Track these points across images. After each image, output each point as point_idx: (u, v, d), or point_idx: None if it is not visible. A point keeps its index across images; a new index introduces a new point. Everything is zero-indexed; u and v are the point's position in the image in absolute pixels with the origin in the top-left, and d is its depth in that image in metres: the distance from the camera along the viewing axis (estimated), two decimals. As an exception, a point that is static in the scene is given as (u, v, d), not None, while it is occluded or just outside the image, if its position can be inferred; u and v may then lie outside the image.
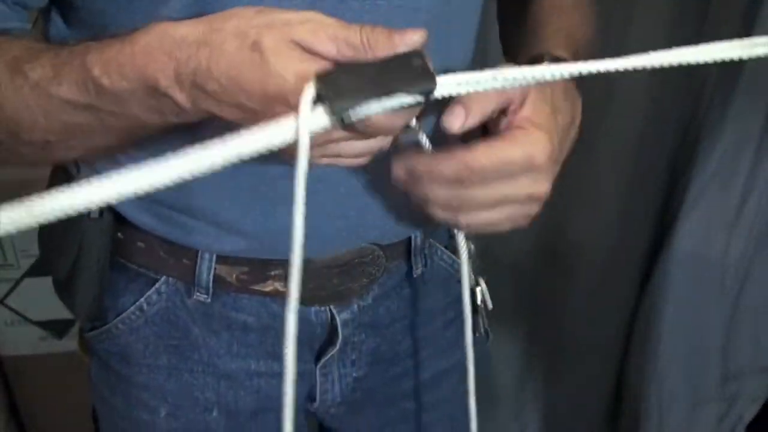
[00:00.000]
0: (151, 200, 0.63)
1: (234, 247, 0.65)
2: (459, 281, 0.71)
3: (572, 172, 1.25)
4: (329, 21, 0.45)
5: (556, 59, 0.60)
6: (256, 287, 0.67)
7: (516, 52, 0.67)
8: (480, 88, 0.45)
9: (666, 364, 1.25)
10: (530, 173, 0.52)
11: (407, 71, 0.44)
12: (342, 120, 0.43)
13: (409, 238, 0.72)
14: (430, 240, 0.74)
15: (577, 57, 0.60)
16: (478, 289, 0.72)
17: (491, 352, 1.54)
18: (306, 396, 0.75)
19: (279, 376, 0.65)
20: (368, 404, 0.77)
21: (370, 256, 0.69)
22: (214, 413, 0.71)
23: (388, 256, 0.70)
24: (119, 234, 0.67)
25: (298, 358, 0.63)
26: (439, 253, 0.76)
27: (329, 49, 0.44)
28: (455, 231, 0.65)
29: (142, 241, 0.66)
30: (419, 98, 0.44)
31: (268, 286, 0.67)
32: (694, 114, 1.20)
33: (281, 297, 0.67)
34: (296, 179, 0.42)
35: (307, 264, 0.64)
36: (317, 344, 0.72)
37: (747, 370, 1.23)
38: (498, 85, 0.44)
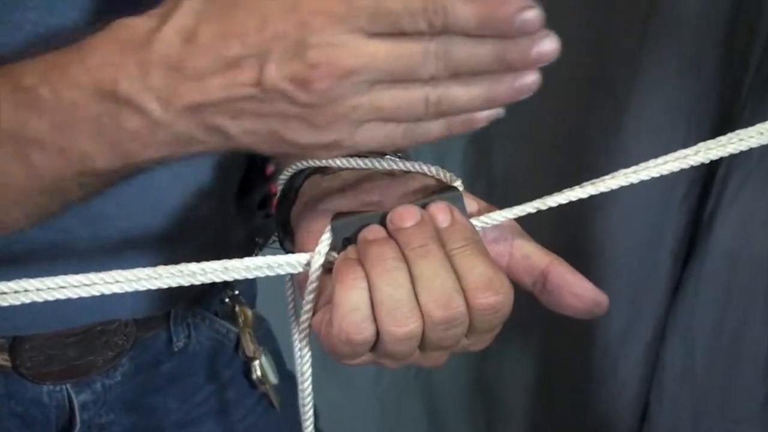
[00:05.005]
0: None
1: None
2: (236, 351, 0.67)
3: (595, 162, 1.19)
4: None
5: None
6: None
7: None
8: (524, 213, 0.44)
9: (702, 378, 1.21)
10: None
11: None
12: None
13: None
14: (196, 308, 0.66)
15: None
16: (255, 363, 0.65)
17: (499, 363, 1.51)
18: None
19: None
20: None
21: (116, 324, 0.60)
22: None
23: (140, 325, 0.62)
24: None
25: None
26: (207, 321, 0.68)
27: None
28: (227, 298, 0.65)
29: None
30: None
31: None
32: (734, 100, 1.17)
33: (3, 373, 0.59)
34: (305, 299, 0.42)
35: (34, 334, 0.57)
36: (54, 429, 0.62)
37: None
38: (536, 209, 0.44)
